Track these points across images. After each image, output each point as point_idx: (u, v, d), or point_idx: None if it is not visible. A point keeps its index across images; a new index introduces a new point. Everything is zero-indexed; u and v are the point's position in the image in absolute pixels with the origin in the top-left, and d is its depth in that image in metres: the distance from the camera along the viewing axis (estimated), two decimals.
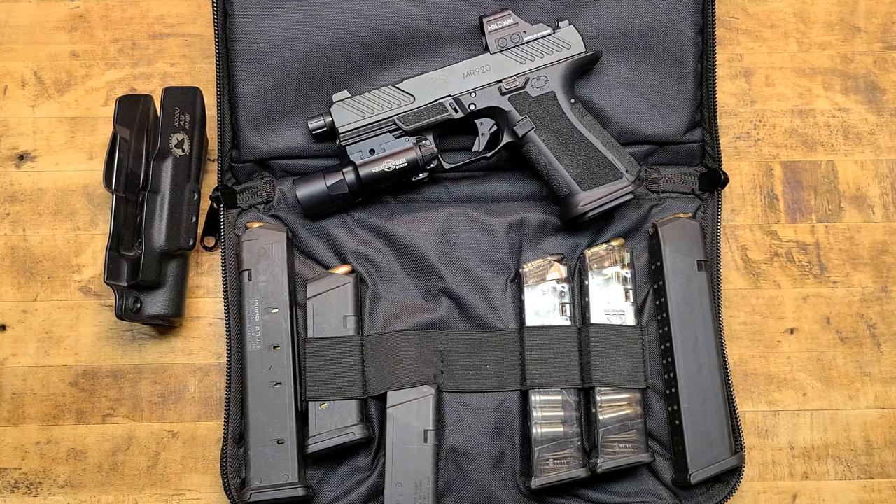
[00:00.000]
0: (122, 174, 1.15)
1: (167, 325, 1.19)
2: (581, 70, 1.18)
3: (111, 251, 1.12)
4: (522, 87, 1.16)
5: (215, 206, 1.19)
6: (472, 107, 1.16)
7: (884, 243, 1.24)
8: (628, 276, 1.16)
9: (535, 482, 1.10)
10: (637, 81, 1.20)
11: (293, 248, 1.18)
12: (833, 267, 1.23)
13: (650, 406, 1.15)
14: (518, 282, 1.17)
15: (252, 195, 1.20)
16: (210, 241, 1.23)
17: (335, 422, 1.11)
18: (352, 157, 1.16)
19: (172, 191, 1.18)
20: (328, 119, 1.16)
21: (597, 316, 1.15)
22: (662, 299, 1.15)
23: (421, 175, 1.17)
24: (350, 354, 1.13)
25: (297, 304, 1.16)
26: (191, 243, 1.19)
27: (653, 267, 1.18)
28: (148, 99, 1.20)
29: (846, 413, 1.20)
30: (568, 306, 1.15)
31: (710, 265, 1.17)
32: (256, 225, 1.17)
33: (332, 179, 1.15)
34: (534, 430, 1.12)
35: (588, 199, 1.15)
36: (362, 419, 1.12)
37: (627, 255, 1.17)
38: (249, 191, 1.20)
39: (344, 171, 1.16)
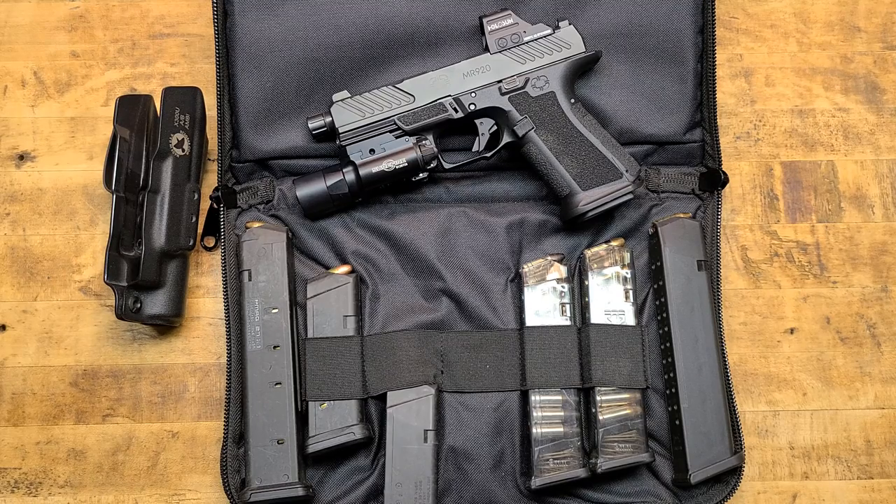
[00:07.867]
0: (122, 174, 1.15)
1: (167, 325, 1.19)
2: (581, 70, 1.18)
3: (111, 251, 1.12)
4: (522, 87, 1.16)
5: (215, 206, 1.19)
6: (472, 107, 1.16)
7: (884, 243, 1.24)
8: (628, 276, 1.16)
9: (535, 482, 1.10)
10: (637, 81, 1.20)
11: (293, 248, 1.18)
12: (833, 267, 1.23)
13: (650, 406, 1.15)
14: (518, 282, 1.17)
15: (252, 195, 1.20)
16: (210, 241, 1.23)
17: (335, 422, 1.11)
18: (352, 157, 1.16)
19: (172, 191, 1.18)
20: (328, 119, 1.16)
21: (597, 316, 1.15)
22: (662, 299, 1.15)
23: (421, 175, 1.17)
24: (350, 354, 1.13)
25: (297, 304, 1.16)
26: (191, 243, 1.19)
27: (653, 267, 1.18)
28: (148, 99, 1.20)
29: (846, 413, 1.19)
30: (568, 306, 1.15)
31: (710, 265, 1.17)
32: (256, 225, 1.17)
33: (332, 179, 1.15)
34: (534, 430, 1.12)
35: (588, 199, 1.15)
36: (362, 419, 1.12)
37: (627, 255, 1.17)
38: (249, 191, 1.20)
39: (344, 171, 1.16)
